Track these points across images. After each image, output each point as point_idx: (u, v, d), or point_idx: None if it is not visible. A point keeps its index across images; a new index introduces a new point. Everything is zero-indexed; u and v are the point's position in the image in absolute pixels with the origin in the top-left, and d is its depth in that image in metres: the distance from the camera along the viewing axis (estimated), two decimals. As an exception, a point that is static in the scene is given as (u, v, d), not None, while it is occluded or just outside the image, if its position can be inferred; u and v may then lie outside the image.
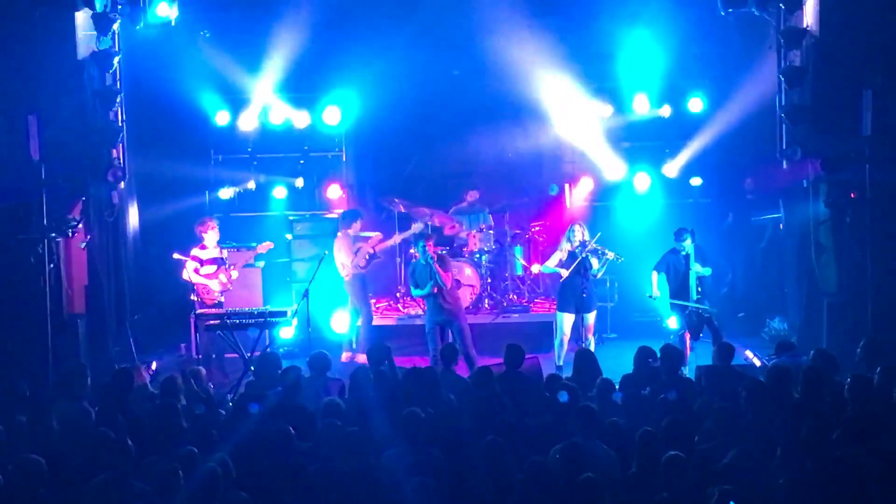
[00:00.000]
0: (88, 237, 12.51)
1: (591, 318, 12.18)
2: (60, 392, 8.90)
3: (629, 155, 15.36)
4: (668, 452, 6.72)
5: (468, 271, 14.19)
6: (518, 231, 15.21)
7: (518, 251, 15.11)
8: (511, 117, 15.34)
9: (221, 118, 14.96)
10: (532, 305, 14.75)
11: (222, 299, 12.37)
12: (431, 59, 14.44)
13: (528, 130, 15.46)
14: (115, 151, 13.03)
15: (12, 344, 11.32)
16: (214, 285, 12.29)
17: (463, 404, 8.48)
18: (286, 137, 15.41)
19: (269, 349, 11.53)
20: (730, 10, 12.86)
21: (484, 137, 15.30)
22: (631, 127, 15.24)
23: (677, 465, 6.63)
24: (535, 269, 13.59)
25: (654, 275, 12.01)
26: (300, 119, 15.14)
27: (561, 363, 11.94)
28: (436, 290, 11.76)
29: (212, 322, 11.62)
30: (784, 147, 12.89)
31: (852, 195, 11.91)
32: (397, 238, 13.96)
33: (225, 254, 12.60)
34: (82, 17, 12.58)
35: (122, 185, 13.21)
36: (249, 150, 15.48)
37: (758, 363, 11.90)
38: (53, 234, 11.50)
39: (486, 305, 14.49)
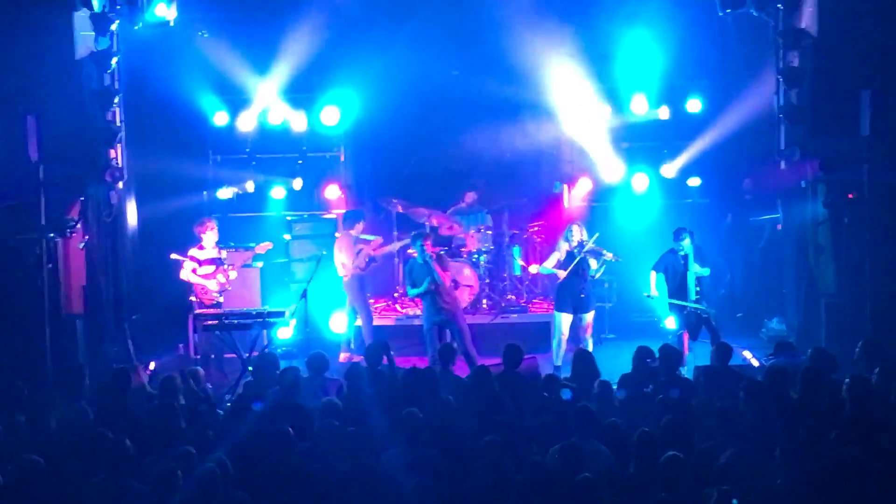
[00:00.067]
0: (87, 237, 12.50)
1: (588, 318, 12.19)
2: (59, 392, 8.90)
3: (628, 155, 15.35)
4: (666, 453, 6.72)
5: (466, 271, 14.18)
6: (516, 231, 15.21)
7: (516, 251, 15.10)
8: (510, 118, 15.32)
9: (220, 118, 14.95)
10: (530, 306, 14.74)
11: (221, 300, 12.37)
12: (430, 60, 14.42)
13: (526, 131, 15.44)
14: (113, 152, 13.02)
15: (10, 344, 11.32)
16: (212, 285, 12.28)
17: (462, 404, 8.48)
18: (284, 138, 15.39)
19: (267, 349, 11.53)
20: (728, 10, 12.86)
21: (482, 138, 15.28)
22: (629, 127, 15.23)
23: (676, 465, 6.63)
24: (534, 269, 13.59)
25: (653, 275, 12.02)
26: (298, 119, 15.13)
27: (559, 363, 11.95)
28: (433, 287, 11.74)
29: (210, 322, 11.62)
30: (782, 147, 12.90)
31: (850, 195, 11.92)
32: (396, 245, 14.00)
33: (223, 254, 12.61)
34: (80, 18, 12.57)
35: (121, 185, 13.20)
36: (248, 150, 15.48)
37: (756, 363, 11.89)
38: (52, 235, 11.50)
39: (485, 306, 14.49)
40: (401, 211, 14.95)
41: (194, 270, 12.26)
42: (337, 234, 14.51)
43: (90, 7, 12.33)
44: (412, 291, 12.08)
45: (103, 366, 11.75)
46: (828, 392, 8.23)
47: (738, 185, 15.13)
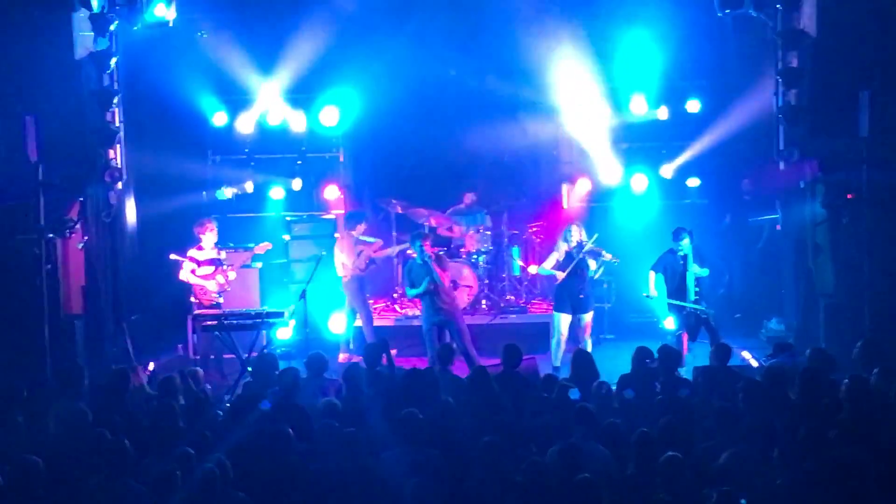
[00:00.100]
0: (86, 238, 12.50)
1: (587, 318, 12.19)
2: (58, 393, 8.89)
3: (627, 156, 15.34)
4: (665, 453, 6.73)
5: (465, 272, 14.19)
6: (515, 232, 15.21)
7: (515, 252, 15.11)
8: (509, 118, 15.33)
9: (219, 119, 14.95)
10: (529, 306, 14.75)
11: (221, 300, 12.37)
12: (429, 61, 14.43)
13: (526, 132, 15.46)
14: (112, 152, 13.03)
15: (10, 344, 11.32)
16: (211, 286, 12.29)
17: (461, 405, 8.48)
18: (283, 138, 15.38)
19: (266, 350, 11.53)
20: (727, 10, 12.86)
21: (481, 139, 15.28)
22: (628, 128, 15.23)
23: (675, 465, 6.63)
24: (532, 269, 13.59)
25: (652, 275, 12.02)
26: (298, 120, 15.12)
27: (559, 364, 11.96)
28: (432, 288, 11.74)
29: (209, 323, 11.62)
30: (781, 148, 12.91)
31: (849, 196, 11.93)
32: (395, 249, 14.02)
33: (223, 255, 12.61)
34: (79, 18, 12.57)
35: (120, 185, 13.21)
36: (247, 150, 15.47)
37: (755, 364, 11.90)
38: (51, 235, 11.50)
39: (484, 306, 14.49)
40: (400, 211, 14.95)
41: (193, 271, 12.26)
42: (336, 235, 14.53)
43: (89, 7, 12.33)
44: (411, 292, 12.07)
45: (102, 366, 11.76)
46: (826, 392, 8.23)
47: (737, 186, 15.13)
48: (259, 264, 13.86)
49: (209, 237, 12.40)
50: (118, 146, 13.10)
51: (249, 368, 10.73)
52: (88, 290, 12.76)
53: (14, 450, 7.31)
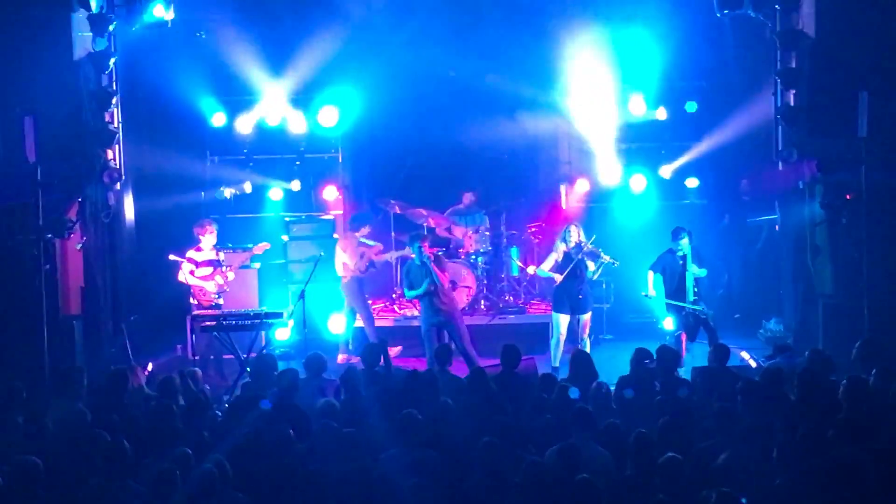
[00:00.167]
0: (84, 238, 12.50)
1: (586, 319, 12.19)
2: (57, 393, 8.90)
3: (626, 156, 15.34)
4: (664, 454, 6.73)
5: (464, 273, 14.18)
6: (514, 232, 15.21)
7: (514, 252, 15.11)
8: (508, 118, 15.33)
9: (217, 119, 14.94)
10: (528, 307, 14.74)
11: (220, 301, 12.36)
12: (428, 61, 14.42)
13: (525, 132, 15.46)
14: (110, 152, 13.03)
15: (8, 345, 11.31)
16: (210, 287, 12.28)
17: (460, 405, 8.48)
18: (282, 139, 15.38)
19: (265, 350, 11.53)
20: (726, 11, 12.87)
21: (480, 139, 15.29)
22: (627, 128, 15.23)
23: (674, 466, 6.63)
24: (531, 270, 13.59)
25: (650, 274, 12.02)
26: (297, 121, 15.11)
27: (558, 364, 11.96)
28: (432, 289, 11.74)
29: (208, 323, 11.61)
30: (780, 148, 12.92)
31: (848, 196, 11.92)
32: (394, 255, 14.02)
33: (222, 256, 12.60)
34: (78, 19, 12.57)
35: (118, 186, 13.21)
36: (245, 151, 15.47)
37: (754, 364, 11.91)
38: (50, 236, 11.49)
39: (483, 307, 14.48)
40: (399, 212, 14.95)
41: (192, 272, 12.26)
42: (336, 236, 14.53)
43: (88, 8, 12.34)
44: (410, 293, 12.05)
45: (101, 367, 11.73)
46: (825, 393, 8.23)
47: (735, 186, 15.14)
48: (258, 265, 13.86)
49: (208, 239, 12.39)
50: (117, 146, 13.10)
51: (248, 369, 10.73)
52: (87, 291, 12.76)
53: (13, 450, 7.31)
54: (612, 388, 8.94)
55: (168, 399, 8.59)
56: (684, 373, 10.34)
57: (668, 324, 11.99)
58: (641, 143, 15.38)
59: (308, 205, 15.65)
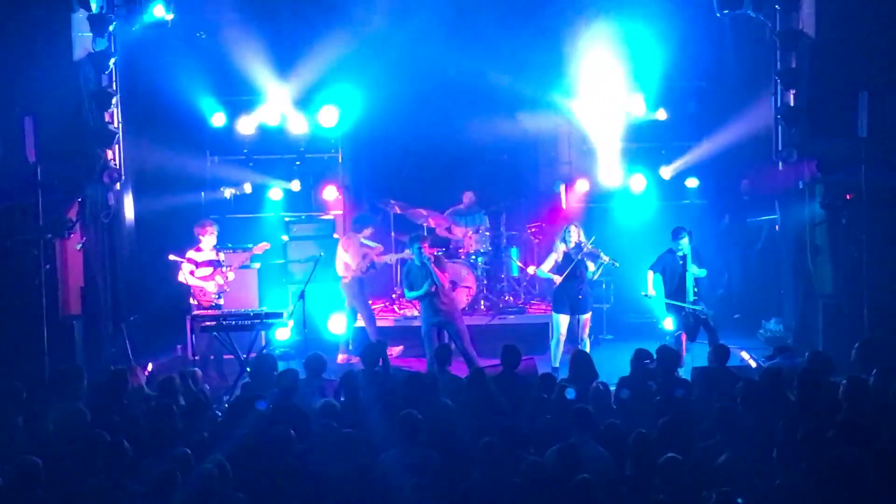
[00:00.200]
0: (84, 238, 12.50)
1: (586, 319, 12.19)
2: (56, 393, 8.89)
3: (625, 156, 15.34)
4: (664, 454, 6.73)
5: (464, 273, 14.18)
6: (514, 232, 15.21)
7: (514, 253, 15.11)
8: (508, 119, 15.33)
9: (217, 119, 14.95)
10: (528, 307, 14.74)
11: (221, 301, 12.36)
12: (428, 61, 14.42)
13: (525, 132, 15.47)
14: (110, 153, 13.04)
15: (8, 345, 11.32)
16: (210, 287, 12.28)
17: (460, 405, 8.48)
18: (282, 139, 15.38)
19: (265, 351, 11.53)
20: (726, 11, 12.87)
21: (481, 139, 15.28)
22: (627, 128, 15.22)
23: (674, 466, 6.63)
24: (531, 270, 13.59)
25: (650, 274, 12.02)
26: (297, 121, 15.11)
27: (557, 364, 11.95)
28: (432, 290, 11.74)
29: (208, 323, 11.61)
30: (780, 148, 12.92)
31: (848, 196, 11.93)
32: (394, 257, 14.02)
33: (222, 256, 12.60)
34: (78, 19, 12.57)
35: (118, 186, 13.22)
36: (245, 151, 15.47)
37: (754, 365, 11.90)
38: (49, 236, 11.49)
39: (483, 307, 14.48)
40: (399, 212, 14.95)
41: (192, 272, 12.25)
42: (336, 236, 14.53)
43: (88, 8, 12.35)
44: (410, 294, 12.04)
45: (101, 367, 11.74)
46: (825, 393, 8.23)
47: (735, 187, 15.14)
48: (257, 265, 13.85)
49: (209, 239, 12.38)
50: (117, 147, 13.11)
51: (248, 369, 10.72)
52: (87, 291, 12.76)
53: (13, 450, 7.32)
54: (612, 388, 8.95)
55: (168, 399, 8.59)
56: (684, 373, 10.34)
57: (668, 324, 11.99)
58: (641, 144, 15.38)
59: (308, 205, 15.64)
